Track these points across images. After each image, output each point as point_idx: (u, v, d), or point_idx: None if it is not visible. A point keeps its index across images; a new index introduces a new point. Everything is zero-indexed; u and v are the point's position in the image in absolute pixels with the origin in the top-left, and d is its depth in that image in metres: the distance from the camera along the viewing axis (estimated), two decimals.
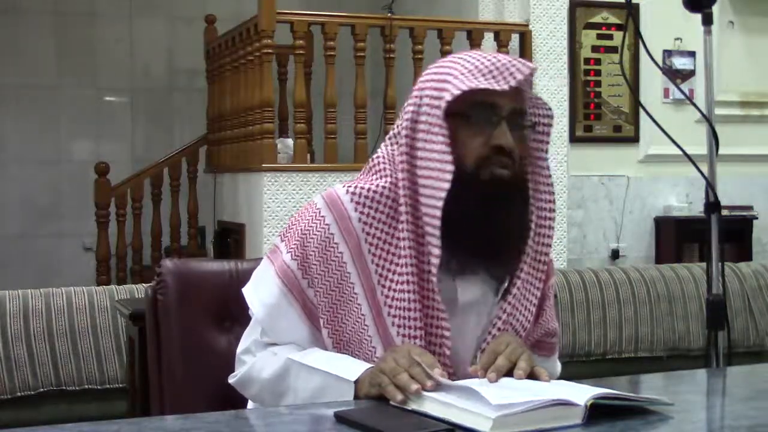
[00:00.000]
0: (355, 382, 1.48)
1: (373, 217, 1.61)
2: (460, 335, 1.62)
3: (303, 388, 1.56)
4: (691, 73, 6.29)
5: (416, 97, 1.61)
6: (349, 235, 1.60)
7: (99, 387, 3.63)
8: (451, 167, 1.54)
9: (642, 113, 6.01)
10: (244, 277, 1.75)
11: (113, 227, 5.96)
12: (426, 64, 1.69)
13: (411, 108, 1.61)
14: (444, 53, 5.05)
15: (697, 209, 5.69)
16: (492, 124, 1.57)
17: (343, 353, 1.60)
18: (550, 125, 1.65)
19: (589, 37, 6.18)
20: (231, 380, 1.70)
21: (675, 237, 6.13)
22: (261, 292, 1.65)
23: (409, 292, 1.56)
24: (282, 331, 1.64)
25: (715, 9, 2.40)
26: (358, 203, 1.61)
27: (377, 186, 1.61)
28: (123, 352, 3.58)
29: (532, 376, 1.49)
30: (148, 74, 7.36)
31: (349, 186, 1.63)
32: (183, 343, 1.91)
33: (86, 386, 3.62)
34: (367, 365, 1.51)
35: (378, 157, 1.65)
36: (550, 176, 1.67)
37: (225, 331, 1.92)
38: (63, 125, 7.12)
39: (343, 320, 1.60)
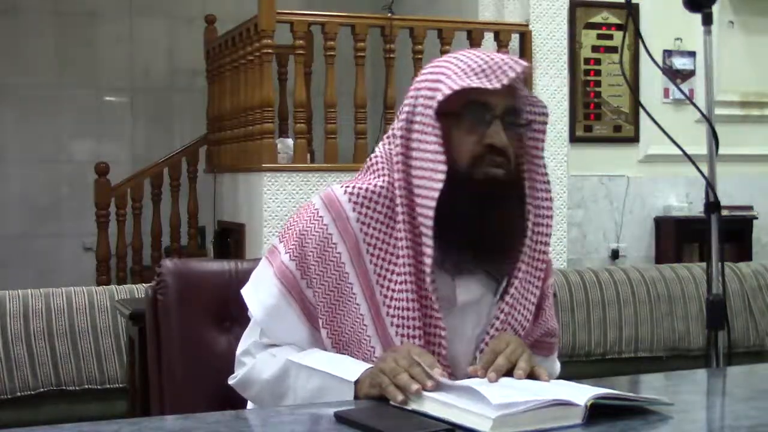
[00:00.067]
0: (355, 382, 1.48)
1: (371, 217, 1.61)
2: (459, 335, 1.62)
3: (303, 388, 1.56)
4: (691, 73, 6.29)
5: (412, 97, 1.62)
6: (347, 235, 1.60)
7: (99, 387, 3.63)
8: (443, 167, 1.54)
9: (642, 113, 6.01)
10: (244, 277, 1.75)
11: (113, 227, 5.96)
12: (426, 64, 1.68)
13: (407, 108, 1.62)
14: (444, 53, 5.05)
15: (697, 209, 5.69)
16: (486, 123, 1.57)
17: (342, 353, 1.60)
18: (545, 123, 1.65)
19: (589, 37, 6.18)
20: (231, 381, 1.70)
21: (675, 237, 6.13)
22: (260, 293, 1.65)
23: (407, 291, 1.56)
24: (281, 332, 1.64)
25: (715, 9, 2.40)
26: (356, 203, 1.61)
27: (375, 186, 1.62)
28: (123, 352, 3.58)
29: (532, 376, 1.49)
30: (148, 74, 7.36)
31: (347, 186, 1.63)
32: (183, 343, 1.91)
33: (86, 386, 3.62)
34: (367, 365, 1.51)
35: (376, 156, 1.66)
36: (546, 174, 1.66)
37: (225, 331, 1.92)
38: (63, 125, 7.12)
39: (342, 320, 1.60)
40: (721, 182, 2.41)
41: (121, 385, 3.57)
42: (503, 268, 1.63)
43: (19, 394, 3.53)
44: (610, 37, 6.19)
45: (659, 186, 6.30)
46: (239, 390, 1.69)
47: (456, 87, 1.55)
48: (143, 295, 2.00)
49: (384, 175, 1.62)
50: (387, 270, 1.59)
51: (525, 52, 5.54)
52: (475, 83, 1.55)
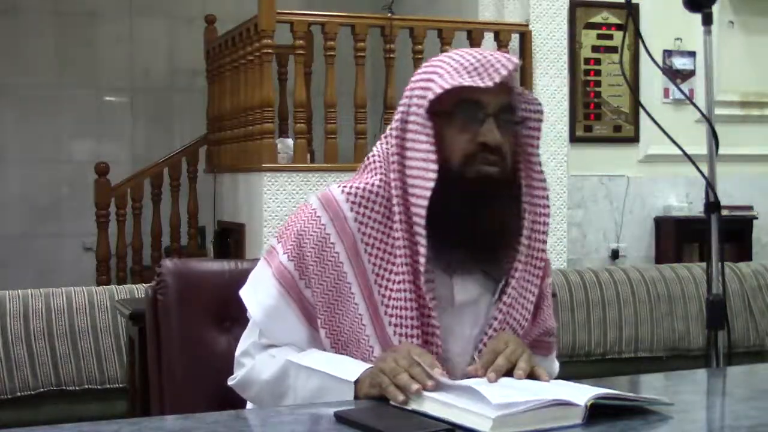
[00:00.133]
0: (355, 382, 1.48)
1: (369, 217, 1.61)
2: (457, 335, 1.62)
3: (302, 389, 1.55)
4: (691, 73, 6.29)
5: (407, 97, 1.62)
6: (345, 234, 1.60)
7: (99, 387, 3.63)
8: (434, 166, 1.54)
9: (642, 113, 6.01)
10: (244, 277, 1.75)
11: (113, 227, 5.95)
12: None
13: (402, 108, 1.62)
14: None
15: (697, 209, 5.69)
16: (479, 121, 1.57)
17: (341, 353, 1.60)
18: (540, 120, 1.64)
19: (589, 37, 6.18)
20: (230, 382, 1.70)
21: (675, 237, 6.13)
22: (259, 293, 1.65)
23: (405, 291, 1.56)
24: (280, 333, 1.64)
25: (715, 9, 2.40)
26: (353, 203, 1.61)
27: (372, 186, 1.62)
28: (123, 352, 3.58)
29: (532, 376, 1.49)
30: (148, 74, 7.36)
31: (345, 186, 1.63)
32: (183, 343, 1.91)
33: (86, 386, 3.62)
34: (367, 365, 1.51)
35: (373, 155, 1.66)
36: (542, 172, 1.65)
37: (225, 331, 1.92)
38: (63, 125, 7.12)
39: (341, 320, 1.60)
40: (721, 182, 2.41)
41: (121, 385, 3.57)
42: (500, 267, 1.62)
43: (19, 394, 3.53)
44: (610, 37, 6.19)
45: (659, 186, 6.30)
46: (239, 391, 1.69)
47: (447, 86, 1.55)
48: (143, 295, 2.00)
49: (381, 174, 1.62)
50: (385, 269, 1.59)
51: (525, 52, 5.54)
52: (466, 82, 1.55)
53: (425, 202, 1.54)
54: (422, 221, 1.55)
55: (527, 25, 5.56)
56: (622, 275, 4.52)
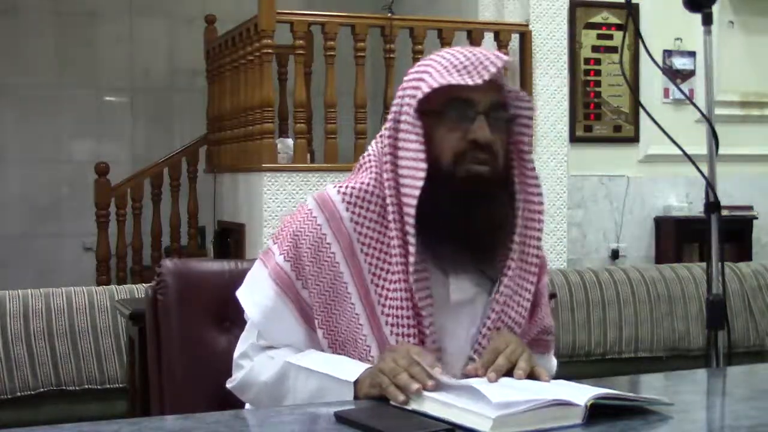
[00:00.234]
0: (355, 382, 1.48)
1: (365, 217, 1.61)
2: (453, 334, 1.62)
3: (302, 390, 1.55)
4: (691, 73, 6.29)
5: (399, 96, 1.63)
6: (341, 234, 1.61)
7: (99, 387, 3.63)
8: (423, 165, 1.55)
9: (642, 113, 6.01)
10: (243, 277, 1.74)
11: (113, 227, 5.95)
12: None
13: (394, 108, 1.63)
14: None
15: (697, 209, 5.69)
16: (469, 119, 1.57)
17: (339, 353, 1.60)
18: (531, 117, 1.64)
19: (589, 37, 6.18)
20: (229, 385, 1.69)
21: (675, 237, 6.13)
22: (256, 295, 1.65)
23: (401, 290, 1.56)
24: (279, 334, 1.64)
25: (715, 9, 2.40)
26: (349, 203, 1.62)
27: (368, 185, 1.62)
28: (123, 352, 3.58)
29: (532, 376, 1.49)
30: (148, 74, 7.36)
31: (340, 186, 1.64)
32: (183, 343, 1.91)
33: (86, 386, 3.62)
34: (366, 366, 1.51)
35: (368, 155, 1.66)
36: (534, 169, 1.66)
37: (225, 331, 1.92)
38: (63, 125, 7.12)
39: (338, 320, 1.60)
40: (721, 182, 2.41)
41: (121, 385, 3.57)
42: (495, 265, 1.62)
43: (19, 394, 3.53)
44: (610, 37, 6.19)
45: (659, 186, 6.30)
46: (238, 393, 1.69)
47: (435, 84, 1.55)
48: (143, 295, 2.00)
49: (375, 174, 1.62)
50: (381, 269, 1.59)
51: (525, 52, 5.54)
52: (455, 80, 1.55)
53: (414, 201, 1.55)
54: (412, 220, 1.55)
55: (527, 25, 5.56)
56: (622, 275, 4.52)
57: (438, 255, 1.59)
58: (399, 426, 1.30)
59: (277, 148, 5.16)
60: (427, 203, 1.55)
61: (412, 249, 1.55)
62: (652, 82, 6.13)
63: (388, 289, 1.58)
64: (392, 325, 1.57)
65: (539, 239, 1.66)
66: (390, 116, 1.63)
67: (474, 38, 5.41)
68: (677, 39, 6.25)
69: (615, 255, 6.19)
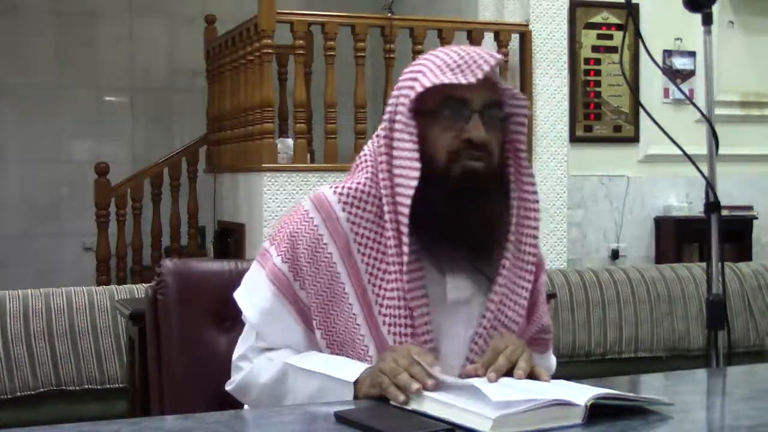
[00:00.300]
0: (354, 383, 1.48)
1: (361, 217, 1.61)
2: (450, 334, 1.61)
3: (302, 391, 1.55)
4: (691, 73, 6.29)
5: (394, 96, 1.63)
6: (337, 235, 1.61)
7: (99, 387, 3.63)
8: (417, 164, 1.55)
9: (642, 113, 6.01)
10: (243, 277, 1.74)
11: (113, 227, 5.95)
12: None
13: (389, 108, 1.63)
14: None
15: (697, 209, 5.69)
16: (464, 118, 1.57)
17: (337, 353, 1.60)
18: (525, 115, 1.64)
19: (589, 37, 6.17)
20: (228, 387, 1.69)
21: (675, 237, 6.13)
22: (254, 297, 1.65)
23: (398, 290, 1.56)
24: (277, 335, 1.63)
25: (715, 9, 2.40)
26: (345, 203, 1.62)
27: (364, 185, 1.62)
28: (123, 352, 3.58)
29: (532, 376, 1.49)
30: (148, 74, 7.36)
31: (337, 187, 1.64)
32: (183, 343, 1.91)
33: (86, 386, 3.62)
34: (366, 366, 1.51)
35: (365, 155, 1.66)
36: (529, 167, 1.66)
37: (225, 331, 1.92)
38: (63, 125, 7.12)
39: (336, 320, 1.60)
40: (721, 182, 2.41)
41: (121, 385, 3.57)
42: (491, 264, 1.62)
43: (19, 394, 3.53)
44: (610, 37, 6.19)
45: (659, 186, 6.29)
46: (237, 395, 1.68)
47: (428, 84, 1.56)
48: (143, 295, 2.00)
49: (371, 174, 1.62)
50: (378, 269, 1.59)
51: (525, 52, 5.54)
52: (448, 79, 1.55)
53: (408, 201, 1.55)
54: (406, 220, 1.55)
55: (527, 25, 5.56)
56: (622, 275, 4.52)
57: (434, 254, 1.59)
58: (399, 426, 1.30)
59: (277, 148, 5.16)
60: (421, 202, 1.55)
61: (406, 249, 1.55)
62: (652, 82, 6.13)
63: (385, 289, 1.58)
64: (389, 324, 1.57)
65: (535, 237, 1.65)
66: (385, 116, 1.63)
67: (474, 38, 5.41)
68: (677, 39, 6.25)
69: (615, 255, 6.19)
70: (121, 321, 3.57)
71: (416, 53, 5.26)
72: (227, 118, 5.86)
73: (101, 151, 6.99)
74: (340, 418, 1.32)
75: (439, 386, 1.40)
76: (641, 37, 2.50)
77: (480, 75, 1.55)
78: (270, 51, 5.07)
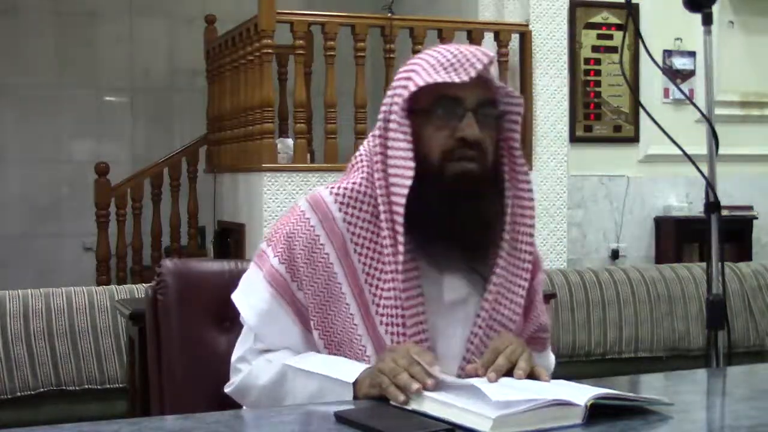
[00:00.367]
0: (354, 383, 1.48)
1: (357, 217, 1.61)
2: (447, 333, 1.61)
3: (301, 392, 1.55)
4: (691, 73, 6.29)
5: (389, 96, 1.63)
6: (334, 235, 1.61)
7: (99, 387, 3.63)
8: (412, 164, 1.55)
9: (642, 113, 6.01)
10: None
11: (113, 227, 5.95)
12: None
13: (384, 107, 1.63)
14: None
15: (697, 209, 5.69)
16: (458, 117, 1.57)
17: (335, 354, 1.60)
18: (520, 113, 1.64)
19: (589, 37, 6.17)
20: (227, 389, 1.69)
21: (675, 237, 6.13)
22: (251, 298, 1.65)
23: (395, 290, 1.56)
24: (275, 336, 1.63)
25: (715, 9, 2.40)
26: (341, 204, 1.62)
27: (360, 185, 1.62)
28: (123, 352, 3.58)
29: (532, 375, 1.49)
30: (148, 74, 7.36)
31: (333, 187, 1.64)
32: (183, 343, 1.91)
33: (86, 386, 3.62)
34: (365, 366, 1.51)
35: (360, 155, 1.66)
36: (525, 165, 1.65)
37: (225, 331, 1.92)
38: (63, 125, 7.12)
39: (333, 321, 1.60)
40: (721, 182, 2.41)
41: (121, 385, 3.57)
42: (486, 263, 1.62)
43: (19, 394, 3.53)
44: (610, 37, 6.19)
45: (659, 186, 6.30)
46: (236, 397, 1.68)
47: (421, 83, 1.56)
48: (143, 295, 2.00)
49: (367, 174, 1.62)
50: (375, 269, 1.59)
51: (525, 52, 5.54)
52: (441, 78, 1.55)
53: (403, 201, 1.55)
54: (401, 219, 1.55)
55: (527, 25, 5.56)
56: (622, 275, 4.52)
57: (430, 253, 1.59)
58: (399, 426, 1.30)
59: (277, 148, 5.16)
60: (416, 202, 1.55)
61: (401, 248, 1.55)
62: (652, 82, 6.14)
63: (382, 289, 1.58)
64: (387, 324, 1.57)
65: (531, 236, 1.65)
66: (380, 116, 1.63)
67: (474, 38, 5.41)
68: (677, 39, 6.25)
69: (615, 255, 6.19)
70: (121, 321, 3.57)
71: (416, 53, 5.24)
72: (227, 118, 5.86)
73: (101, 151, 6.99)
74: (340, 418, 1.32)
75: (439, 386, 1.40)
76: (641, 37, 2.50)
77: (473, 73, 1.55)
78: (270, 51, 5.07)
